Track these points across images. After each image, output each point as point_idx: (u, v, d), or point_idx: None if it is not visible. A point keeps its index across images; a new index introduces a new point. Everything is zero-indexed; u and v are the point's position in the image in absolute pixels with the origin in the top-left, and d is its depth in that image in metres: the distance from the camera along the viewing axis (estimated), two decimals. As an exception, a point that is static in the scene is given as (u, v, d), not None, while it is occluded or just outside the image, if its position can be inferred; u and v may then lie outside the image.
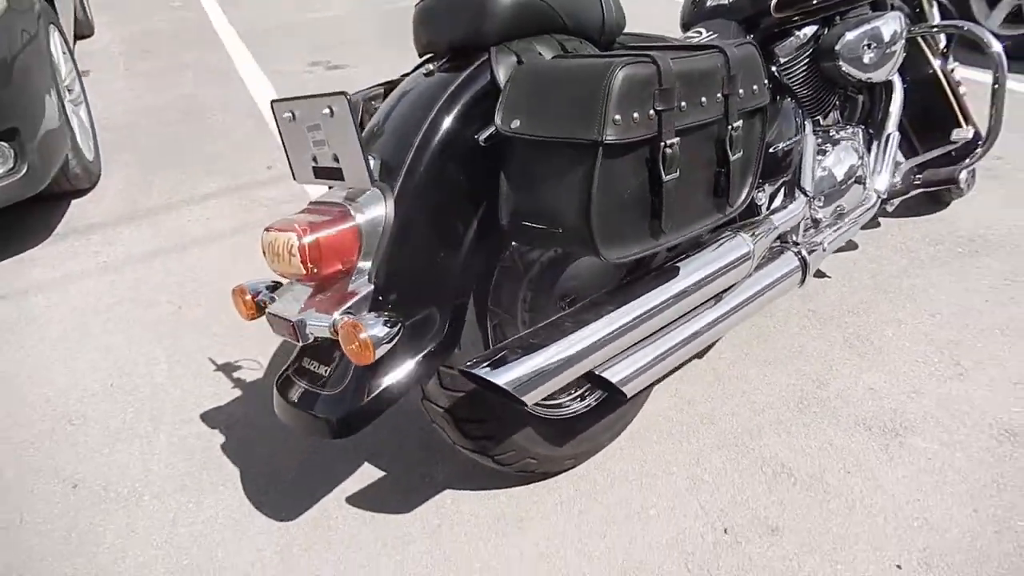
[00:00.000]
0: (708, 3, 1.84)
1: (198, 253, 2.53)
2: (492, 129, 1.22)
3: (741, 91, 1.25)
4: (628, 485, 1.55)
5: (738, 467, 1.58)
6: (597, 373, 1.26)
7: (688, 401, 1.77)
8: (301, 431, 1.21)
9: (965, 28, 2.02)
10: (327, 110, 1.13)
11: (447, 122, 1.21)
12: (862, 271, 2.24)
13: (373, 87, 1.56)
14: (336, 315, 1.13)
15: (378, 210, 1.17)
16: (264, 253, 1.20)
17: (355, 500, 1.55)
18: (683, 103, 1.15)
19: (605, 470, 1.59)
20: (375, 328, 1.07)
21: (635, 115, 1.08)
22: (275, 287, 1.33)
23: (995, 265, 2.22)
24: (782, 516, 1.45)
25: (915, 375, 1.81)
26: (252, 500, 1.57)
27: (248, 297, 1.31)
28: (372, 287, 1.17)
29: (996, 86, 1.97)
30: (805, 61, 1.80)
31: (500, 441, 1.39)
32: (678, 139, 1.15)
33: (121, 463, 1.68)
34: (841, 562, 1.35)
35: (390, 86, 1.52)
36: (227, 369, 1.96)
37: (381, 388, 1.16)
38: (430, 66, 1.32)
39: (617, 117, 1.06)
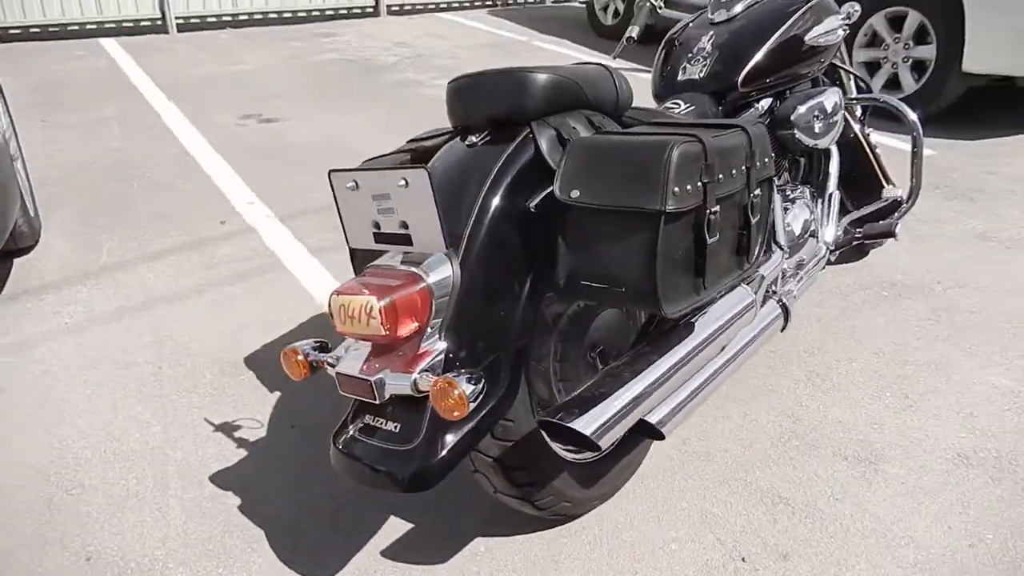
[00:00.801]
0: (679, 77, 2.04)
1: (167, 311, 2.49)
2: (540, 196, 1.34)
3: (759, 163, 1.43)
4: (647, 522, 1.66)
5: (741, 499, 1.72)
6: (643, 418, 1.37)
7: (683, 440, 1.91)
8: (373, 486, 1.25)
9: (882, 100, 2.32)
10: (402, 182, 1.21)
11: (501, 191, 1.32)
12: (808, 315, 2.48)
13: (395, 154, 1.65)
14: (416, 374, 1.20)
15: (444, 272, 1.26)
16: (332, 315, 1.25)
17: (390, 554, 1.58)
18: (720, 175, 1.31)
19: (622, 510, 1.69)
20: (466, 384, 1.15)
21: (688, 187, 1.23)
22: (322, 347, 1.38)
23: (917, 306, 2.52)
24: (789, 543, 1.60)
25: (873, 408, 2.03)
26: (284, 560, 1.57)
27: (300, 358, 1.35)
28: (445, 345, 1.24)
29: (915, 148, 2.26)
30: None
31: (542, 487, 1.47)
32: (718, 207, 1.31)
33: (134, 531, 1.64)
34: (849, 580, 1.51)
35: (415, 153, 1.61)
36: (227, 429, 1.95)
37: (455, 441, 1.23)
38: (473, 138, 1.43)
39: (676, 189, 1.20)
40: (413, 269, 1.25)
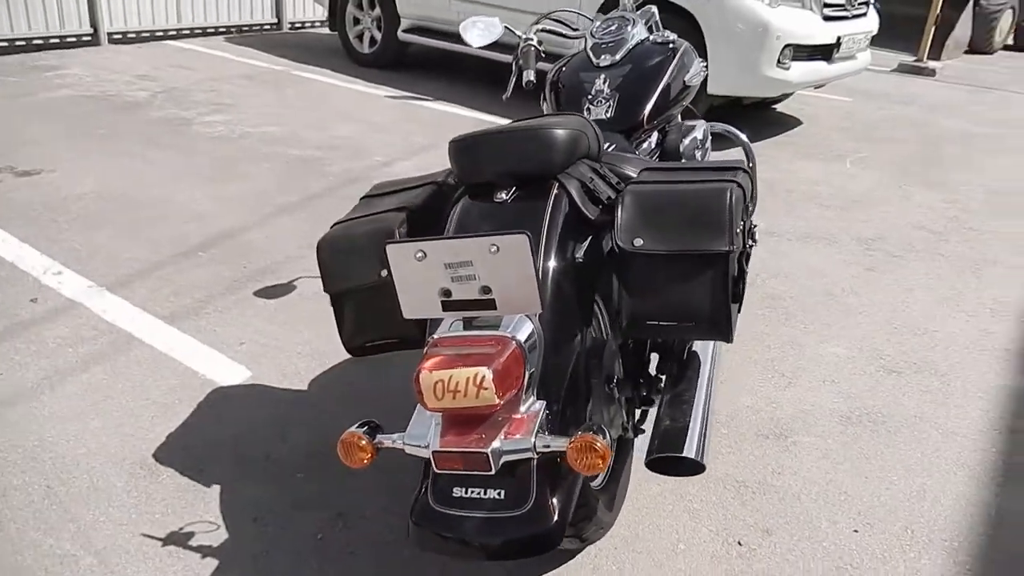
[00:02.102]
0: (593, 118, 2.20)
1: (22, 417, 2.08)
2: (585, 246, 1.43)
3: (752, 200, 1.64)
4: (649, 530, 1.81)
5: (710, 491, 1.94)
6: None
7: (639, 450, 2.08)
8: (491, 559, 1.24)
9: (720, 127, 2.72)
10: (494, 247, 1.21)
11: (556, 246, 1.40)
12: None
13: (376, 213, 1.62)
14: (533, 438, 1.22)
15: (527, 332, 1.29)
16: (421, 394, 1.22)
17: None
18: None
19: (621, 524, 1.82)
20: (603, 438, 1.19)
21: (739, 227, 1.39)
22: (376, 427, 1.33)
23: (751, 297, 2.96)
24: (765, 519, 1.85)
25: (765, 390, 2.38)
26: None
27: (364, 443, 1.29)
28: (542, 403, 1.27)
29: (751, 164, 2.67)
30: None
31: (591, 519, 1.55)
32: (750, 242, 1.49)
33: None
34: (820, 539, 1.80)
35: (401, 208, 1.60)
36: (179, 540, 1.72)
37: (564, 495, 1.27)
38: (502, 195, 1.46)
39: (737, 230, 1.36)
40: (502, 333, 1.26)
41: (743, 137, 2.65)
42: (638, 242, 1.39)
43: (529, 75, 2.27)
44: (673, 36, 2.31)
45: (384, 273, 1.49)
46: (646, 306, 1.44)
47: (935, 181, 4.48)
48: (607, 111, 2.18)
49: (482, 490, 1.27)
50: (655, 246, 1.39)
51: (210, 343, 2.47)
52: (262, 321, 2.62)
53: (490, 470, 1.21)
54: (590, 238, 1.45)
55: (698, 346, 1.72)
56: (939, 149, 5.17)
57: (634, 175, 1.66)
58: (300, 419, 2.15)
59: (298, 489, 1.90)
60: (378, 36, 6.35)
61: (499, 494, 1.26)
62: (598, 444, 1.18)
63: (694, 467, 1.36)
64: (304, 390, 2.28)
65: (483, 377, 1.19)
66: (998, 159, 5.02)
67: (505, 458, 1.22)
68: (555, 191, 1.45)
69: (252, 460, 1.98)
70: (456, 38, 6.17)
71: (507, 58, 5.83)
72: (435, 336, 1.31)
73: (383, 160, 4.24)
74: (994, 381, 2.47)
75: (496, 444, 1.21)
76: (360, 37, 6.50)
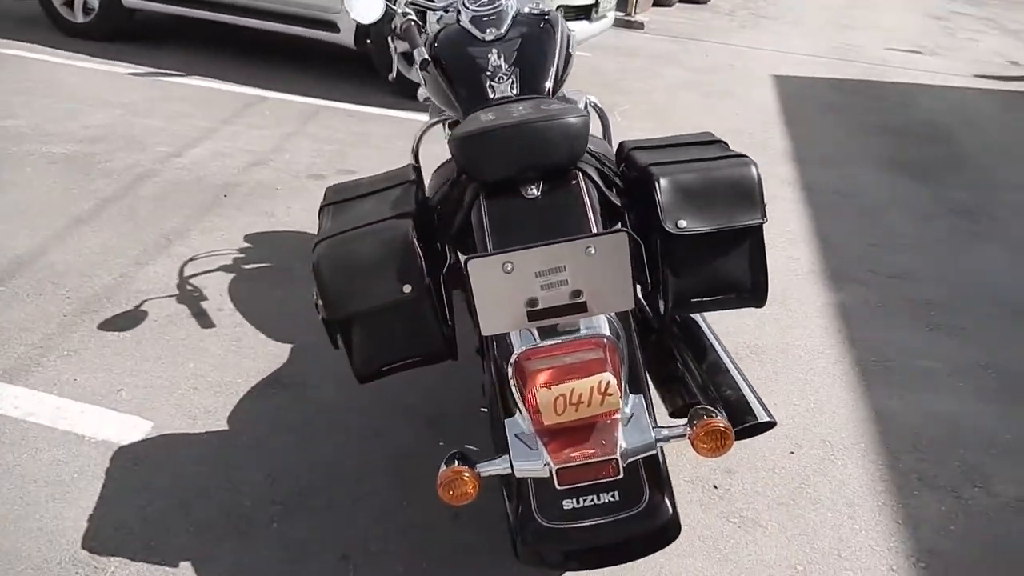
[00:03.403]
0: (493, 96, 2.13)
1: None
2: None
3: None
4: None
5: (669, 447, 2.10)
6: None
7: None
8: (623, 560, 1.27)
9: (593, 98, 2.82)
10: (592, 249, 1.20)
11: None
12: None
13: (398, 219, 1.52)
14: (653, 433, 1.25)
15: (605, 329, 1.30)
16: (541, 411, 1.19)
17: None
18: None
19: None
20: (722, 417, 1.25)
21: (765, 201, 1.51)
22: (466, 456, 1.27)
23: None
24: (724, 462, 2.06)
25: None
26: None
27: (468, 475, 1.24)
28: (640, 396, 1.31)
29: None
30: None
31: None
32: None
33: None
34: (771, 467, 2.06)
35: (391, 209, 1.53)
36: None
37: (667, 480, 1.33)
38: (532, 190, 1.43)
39: (765, 202, 1.47)
40: (593, 333, 1.27)
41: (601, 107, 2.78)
42: (682, 223, 1.45)
43: (421, 52, 2.13)
44: (546, 7, 2.33)
45: (408, 289, 1.39)
46: (692, 284, 1.51)
47: (696, 126, 5.07)
48: (512, 87, 2.16)
49: (594, 496, 1.28)
50: (697, 226, 1.46)
51: (77, 396, 2.07)
52: (129, 359, 2.24)
53: (619, 475, 1.23)
54: (619, 223, 1.49)
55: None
56: (678, 97, 5.82)
57: (610, 155, 1.70)
58: (240, 462, 1.91)
59: (282, 539, 1.71)
60: (94, 2, 5.46)
61: (614, 496, 1.28)
62: (722, 424, 1.25)
63: (766, 426, 1.47)
64: (226, 429, 2.02)
65: (607, 383, 1.19)
66: (724, 102, 5.79)
67: (631, 459, 1.24)
68: (583, 180, 1.46)
69: (213, 522, 1.74)
70: (198, 3, 5.58)
71: (255, 23, 5.41)
72: (521, 350, 1.27)
73: (171, 150, 3.73)
74: (819, 300, 2.95)
75: (623, 446, 1.22)
76: (70, 3, 5.53)
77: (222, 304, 2.56)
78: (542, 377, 1.20)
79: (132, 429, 1.98)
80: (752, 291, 1.54)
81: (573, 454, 1.22)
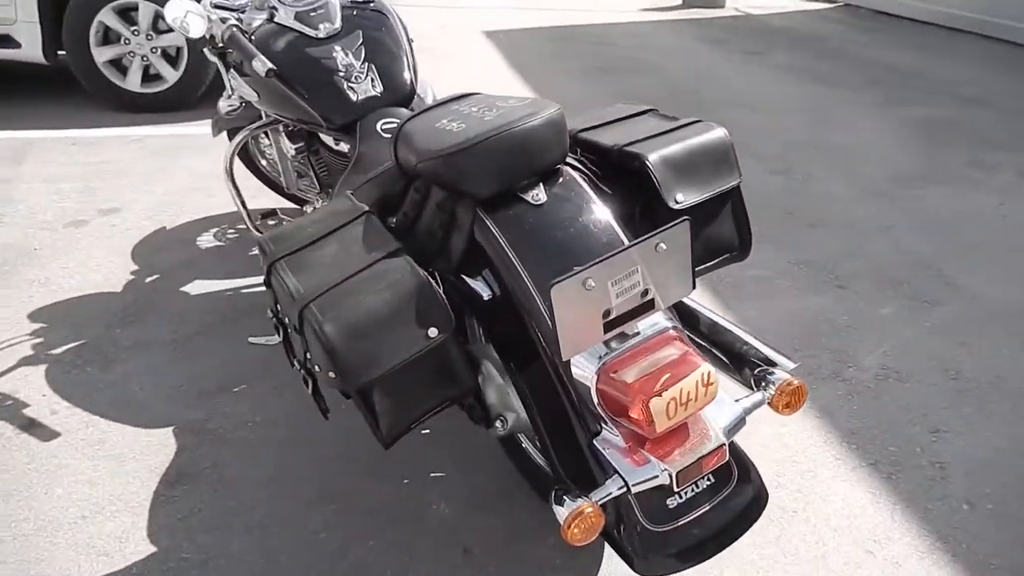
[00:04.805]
0: (356, 98, 1.95)
1: None
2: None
3: None
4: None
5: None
6: None
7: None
8: (733, 541, 1.29)
9: None
10: (662, 245, 1.18)
11: (623, 227, 1.40)
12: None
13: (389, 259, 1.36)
14: (737, 405, 1.28)
15: (666, 321, 1.30)
16: (654, 420, 1.16)
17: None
18: None
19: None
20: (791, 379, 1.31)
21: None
22: (567, 489, 1.21)
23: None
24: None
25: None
26: None
27: (592, 509, 1.17)
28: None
29: (410, 39, 2.63)
30: None
31: None
32: None
33: None
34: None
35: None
36: None
37: (745, 451, 1.38)
38: (538, 195, 1.36)
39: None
40: (661, 328, 1.27)
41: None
42: (679, 197, 1.47)
43: (264, 62, 1.84)
44: None
45: (435, 332, 1.25)
46: (695, 254, 1.52)
47: (439, 92, 5.05)
48: (374, 86, 1.99)
49: (692, 486, 1.28)
50: (692, 198, 1.48)
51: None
52: (-35, 512, 1.70)
53: (726, 459, 1.23)
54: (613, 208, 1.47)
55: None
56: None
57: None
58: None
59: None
60: None
61: (709, 479, 1.29)
62: (796, 382, 1.30)
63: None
64: (154, 552, 1.64)
65: (708, 373, 1.20)
66: (453, 62, 5.85)
67: (731, 438, 1.25)
68: (575, 175, 1.42)
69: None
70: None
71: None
72: (601, 364, 1.22)
73: None
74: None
75: (724, 427, 1.24)
76: None
77: (52, 405, 2.04)
78: (647, 385, 1.15)
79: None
80: (741, 247, 1.61)
81: (687, 451, 1.20)
